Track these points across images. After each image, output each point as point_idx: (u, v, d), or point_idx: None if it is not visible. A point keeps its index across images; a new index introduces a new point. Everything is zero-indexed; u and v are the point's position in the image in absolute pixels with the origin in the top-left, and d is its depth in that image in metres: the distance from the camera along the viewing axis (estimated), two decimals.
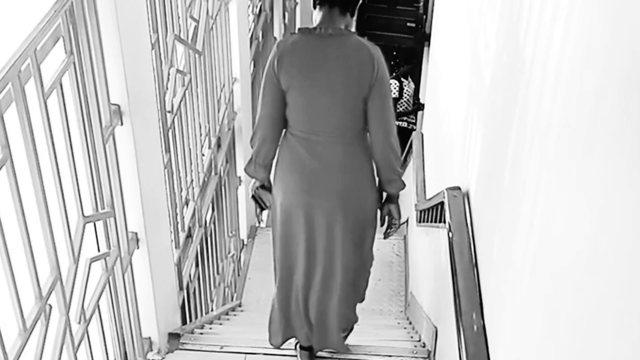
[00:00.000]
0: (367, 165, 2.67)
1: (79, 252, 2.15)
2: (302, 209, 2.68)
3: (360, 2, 2.65)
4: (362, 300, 3.09)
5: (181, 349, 3.13)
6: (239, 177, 4.92)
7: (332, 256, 2.77)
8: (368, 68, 2.50)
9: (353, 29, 2.68)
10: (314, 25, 2.58)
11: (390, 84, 6.76)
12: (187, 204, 3.59)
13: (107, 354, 2.54)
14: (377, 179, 2.75)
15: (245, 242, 5.26)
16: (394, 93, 6.71)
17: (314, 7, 2.60)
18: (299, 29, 2.59)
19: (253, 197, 2.84)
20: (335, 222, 2.68)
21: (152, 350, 2.98)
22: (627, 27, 0.98)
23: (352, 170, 2.64)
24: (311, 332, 3.02)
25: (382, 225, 2.85)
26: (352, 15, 2.60)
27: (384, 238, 2.93)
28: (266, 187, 2.80)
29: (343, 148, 2.60)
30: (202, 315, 3.98)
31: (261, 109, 2.63)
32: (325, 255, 2.77)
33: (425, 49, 7.51)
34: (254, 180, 2.81)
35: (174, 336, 3.12)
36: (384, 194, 2.81)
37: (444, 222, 2.67)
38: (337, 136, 2.59)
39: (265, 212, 3.05)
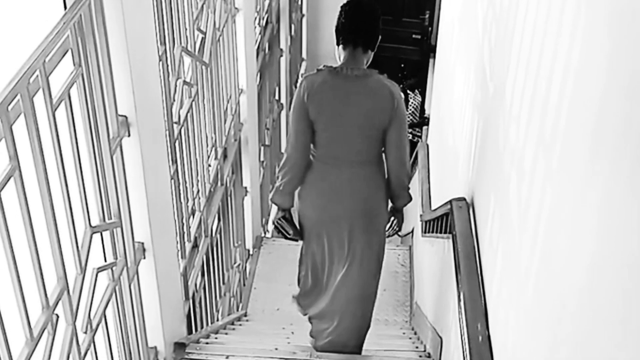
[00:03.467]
0: (382, 185, 3.05)
1: (86, 262, 2.16)
2: (327, 222, 3.06)
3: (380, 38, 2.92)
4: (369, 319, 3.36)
5: (187, 359, 3.14)
6: (245, 188, 4.93)
7: (353, 257, 3.11)
8: (388, 105, 2.84)
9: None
10: (338, 61, 2.89)
11: None
12: (193, 214, 3.60)
13: None
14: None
15: (250, 252, 5.26)
16: None
17: (337, 45, 2.90)
18: (326, 67, 2.90)
19: (276, 227, 3.21)
20: (354, 233, 3.05)
21: (158, 359, 2.99)
22: (629, 39, 0.99)
23: (370, 189, 3.02)
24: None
25: (387, 222, 3.20)
26: (372, 51, 2.91)
27: (388, 236, 3.27)
28: (287, 218, 3.15)
29: (363, 170, 2.98)
30: (207, 324, 3.98)
31: (292, 138, 2.96)
32: (346, 256, 3.11)
33: (431, 60, 7.51)
34: (277, 211, 3.19)
35: (179, 345, 3.12)
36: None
37: (450, 233, 2.68)
38: (358, 161, 2.96)
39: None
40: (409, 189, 3.09)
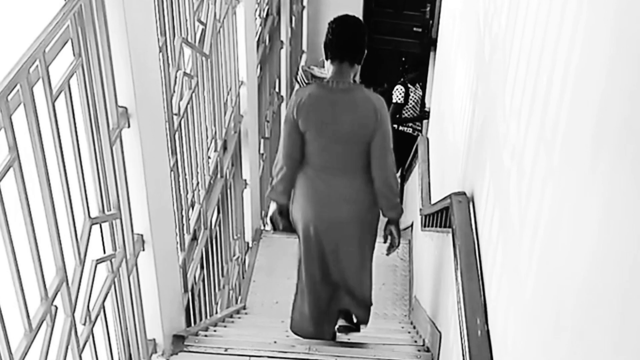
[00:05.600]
0: (368, 194, 3.16)
1: (85, 254, 2.16)
2: (317, 227, 3.19)
3: (366, 53, 3.07)
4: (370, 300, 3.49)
5: (185, 351, 3.14)
6: (245, 180, 4.92)
7: (339, 257, 3.30)
8: (371, 119, 2.98)
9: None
10: (327, 75, 3.04)
11: (397, 89, 6.74)
12: (192, 206, 3.60)
13: (111, 355, 2.55)
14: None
15: (250, 245, 5.26)
16: (400, 99, 6.67)
17: (326, 59, 3.05)
18: (315, 81, 3.21)
19: (270, 219, 3.38)
20: (341, 238, 3.23)
21: (156, 352, 2.99)
22: (632, 39, 0.99)
23: (356, 198, 3.16)
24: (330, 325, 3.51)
25: (384, 242, 3.35)
26: (359, 64, 3.06)
27: (386, 255, 3.40)
28: (282, 213, 3.32)
29: (349, 180, 3.13)
30: (206, 317, 3.99)
31: (283, 147, 3.14)
32: (334, 257, 3.29)
33: (432, 53, 7.50)
34: (273, 206, 3.37)
35: (178, 338, 3.13)
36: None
37: (449, 227, 2.67)
38: (346, 169, 3.11)
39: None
40: (398, 203, 3.21)
